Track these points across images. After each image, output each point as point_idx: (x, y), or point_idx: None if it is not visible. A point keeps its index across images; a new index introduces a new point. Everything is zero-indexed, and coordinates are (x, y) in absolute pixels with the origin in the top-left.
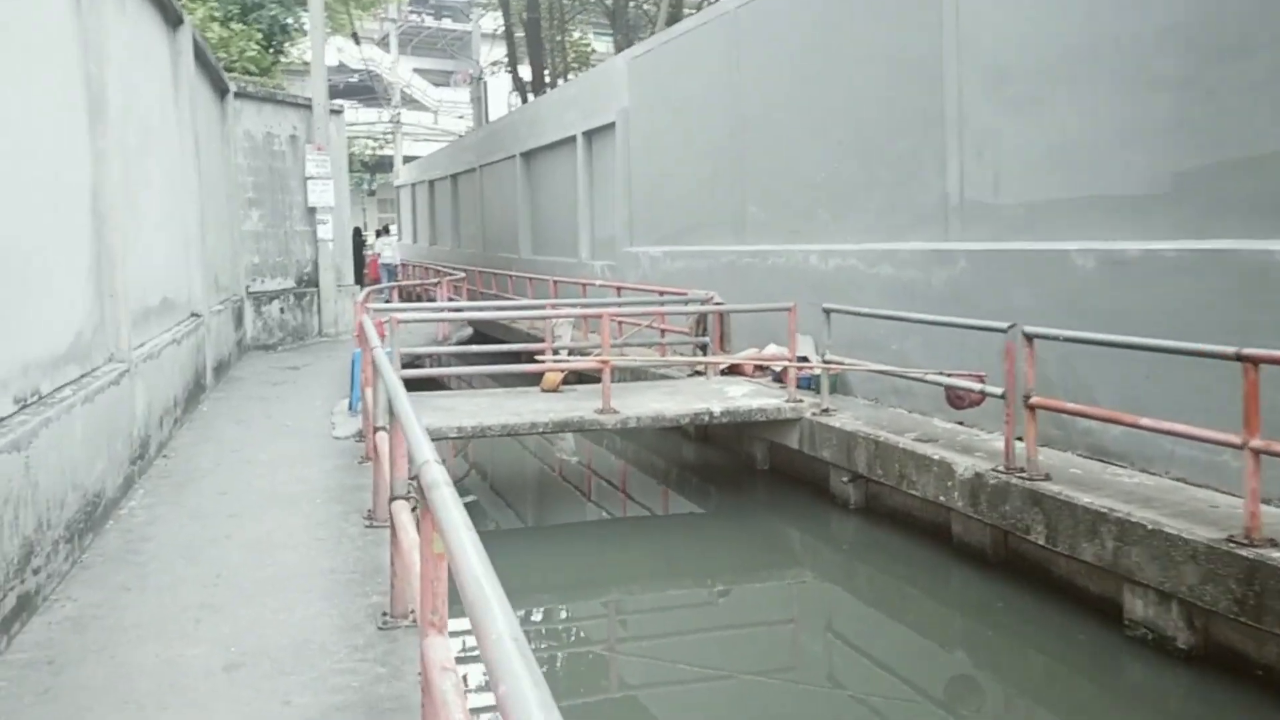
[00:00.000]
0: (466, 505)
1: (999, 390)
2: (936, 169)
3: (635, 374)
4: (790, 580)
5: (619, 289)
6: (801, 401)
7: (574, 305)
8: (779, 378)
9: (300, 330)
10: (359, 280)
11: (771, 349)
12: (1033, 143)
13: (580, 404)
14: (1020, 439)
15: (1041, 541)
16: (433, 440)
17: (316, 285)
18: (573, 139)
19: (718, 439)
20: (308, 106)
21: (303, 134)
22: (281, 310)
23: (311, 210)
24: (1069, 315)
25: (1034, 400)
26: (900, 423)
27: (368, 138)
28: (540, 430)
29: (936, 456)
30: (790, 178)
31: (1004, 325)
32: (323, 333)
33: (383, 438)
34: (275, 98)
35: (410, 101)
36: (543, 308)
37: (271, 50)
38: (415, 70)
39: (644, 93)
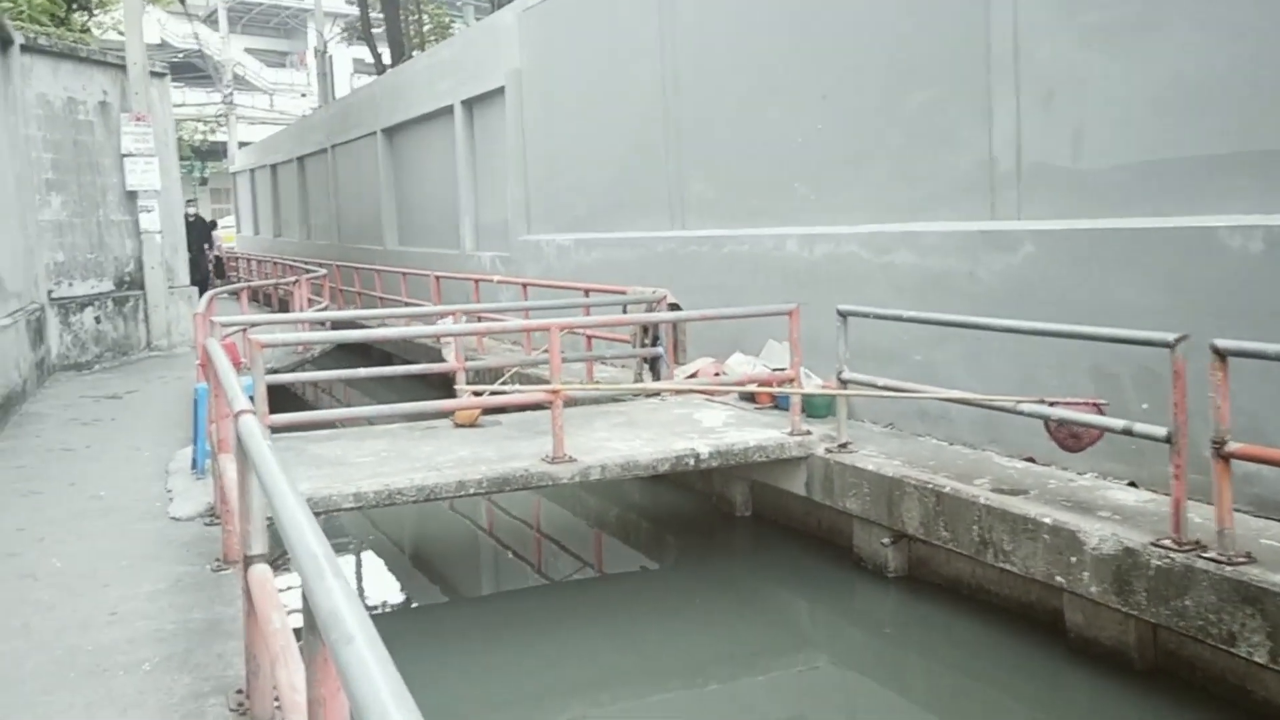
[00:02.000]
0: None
1: (1161, 431)
2: (976, 124)
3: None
4: (809, 674)
5: (524, 286)
6: (809, 434)
7: (498, 312)
8: (751, 396)
9: (123, 344)
10: (198, 281)
11: (738, 360)
12: (1137, 82)
13: (518, 446)
14: (1189, 498)
15: (1261, 657)
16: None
17: (142, 287)
18: (448, 110)
19: (676, 475)
20: (121, 66)
21: (116, 101)
22: (98, 320)
23: (132, 195)
24: (1214, 317)
25: (1233, 448)
26: (948, 460)
27: (197, 120)
28: (472, 491)
29: (1047, 520)
30: (750, 146)
31: (1169, 336)
32: (152, 345)
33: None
34: (78, 54)
35: (242, 83)
36: (452, 318)
37: (75, 6)
38: (247, 50)
39: (540, 50)
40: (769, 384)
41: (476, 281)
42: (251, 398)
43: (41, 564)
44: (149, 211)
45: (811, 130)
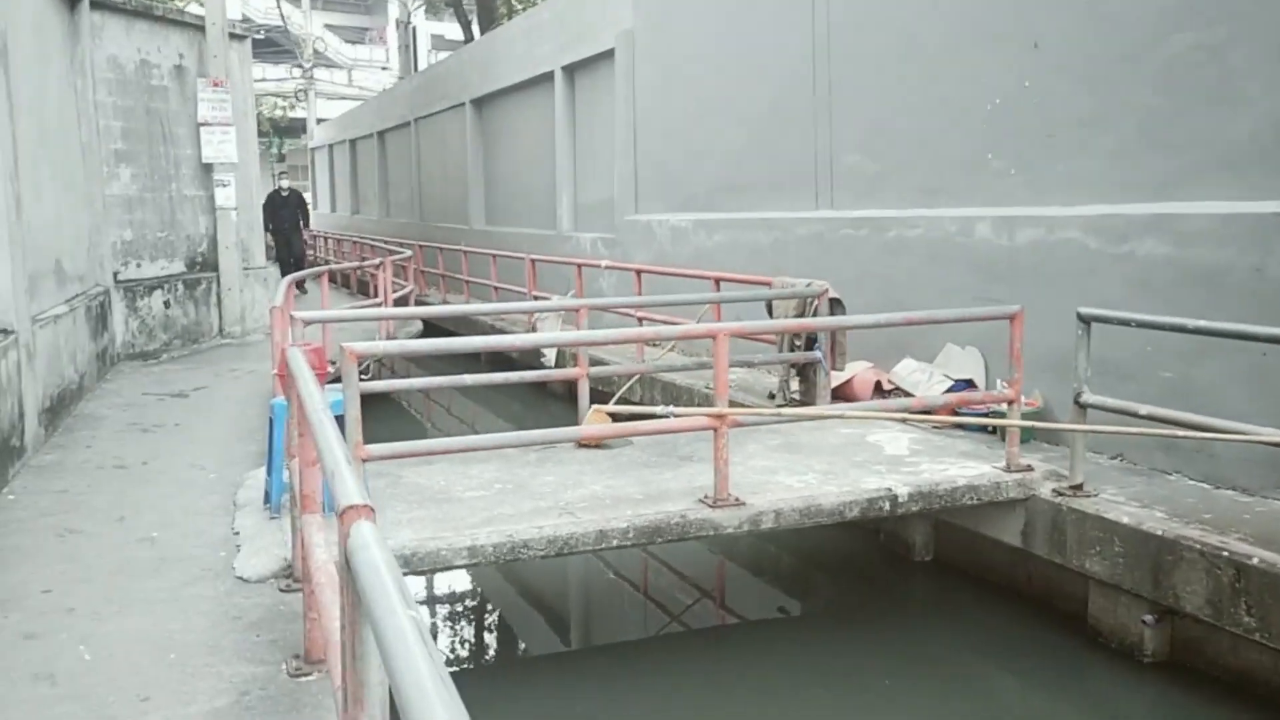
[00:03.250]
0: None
1: None
2: (1269, 73)
3: (670, 395)
4: None
5: (637, 273)
6: (1029, 469)
7: (625, 306)
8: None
9: (193, 330)
10: (292, 265)
11: (909, 368)
12: None
13: (662, 479)
14: None
15: None
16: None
17: (215, 269)
18: (547, 77)
19: None
20: (199, 28)
21: (193, 65)
22: (167, 305)
23: (207, 168)
24: None
25: None
26: (1230, 513)
27: (276, 96)
28: (615, 543)
29: None
30: (925, 110)
31: None
32: (224, 332)
33: None
34: (153, 12)
35: (322, 59)
36: (576, 313)
37: None
38: (326, 26)
39: (657, 6)
40: (958, 407)
41: (580, 266)
42: (340, 419)
43: (65, 654)
44: (225, 186)
45: (1015, 88)
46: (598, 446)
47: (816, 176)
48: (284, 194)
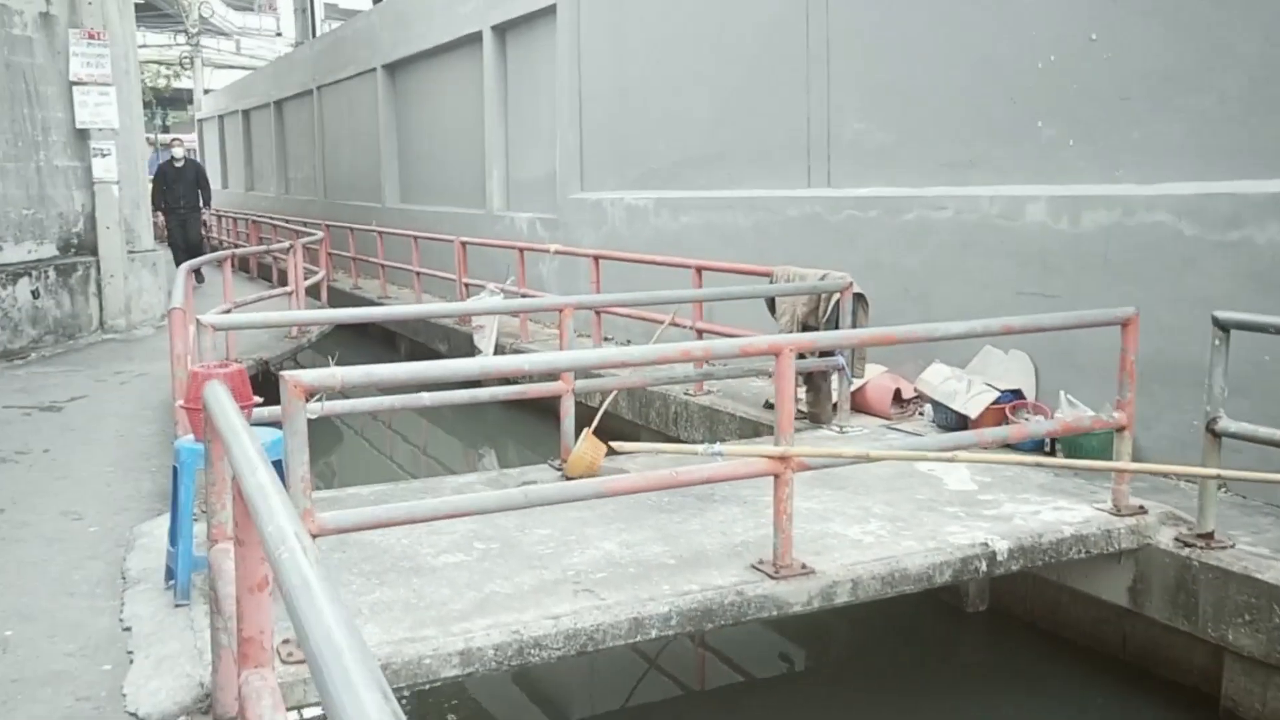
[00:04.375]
0: None
1: None
2: None
3: (659, 410)
4: None
5: (595, 260)
6: (1142, 512)
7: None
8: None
9: (68, 324)
10: (188, 251)
11: (939, 374)
12: None
13: (688, 529)
14: None
15: None
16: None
17: (94, 253)
18: (474, 38)
19: None
20: None
21: (63, 13)
22: (35, 294)
23: (82, 135)
24: None
25: None
26: None
27: (159, 64)
28: (655, 634)
29: None
30: (951, 69)
31: None
32: (106, 326)
33: None
34: None
35: (208, 26)
36: (561, 311)
37: None
38: None
39: None
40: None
41: (521, 251)
42: (278, 464)
43: None
44: (104, 155)
45: (1077, 41)
46: (588, 477)
47: (810, 148)
48: (177, 164)
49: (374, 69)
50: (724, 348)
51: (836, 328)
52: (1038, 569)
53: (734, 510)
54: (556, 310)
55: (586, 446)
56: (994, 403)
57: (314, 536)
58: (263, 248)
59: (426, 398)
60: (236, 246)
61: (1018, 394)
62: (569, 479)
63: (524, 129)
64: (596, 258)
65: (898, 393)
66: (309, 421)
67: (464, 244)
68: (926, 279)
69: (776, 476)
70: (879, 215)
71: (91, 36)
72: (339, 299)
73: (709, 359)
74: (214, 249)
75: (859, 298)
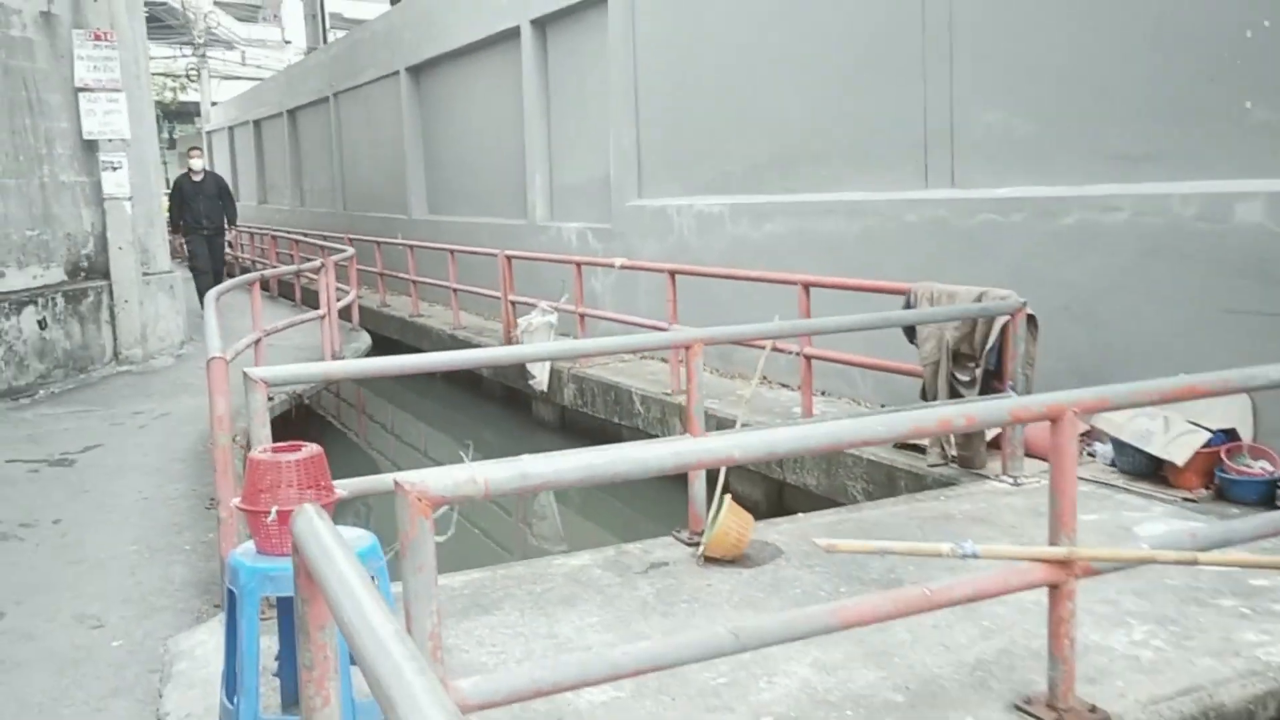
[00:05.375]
0: None
1: None
2: None
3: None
4: None
5: (671, 275)
6: None
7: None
8: (1156, 476)
9: (79, 356)
10: (212, 277)
11: (1127, 410)
12: None
13: (898, 638)
14: None
15: None
16: None
17: (106, 276)
18: (511, 34)
19: None
20: None
21: (66, 13)
22: (42, 324)
23: (90, 146)
24: None
25: None
26: None
27: (165, 76)
28: None
29: None
30: (1119, 43)
31: None
32: (121, 357)
33: None
34: None
35: (213, 38)
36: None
37: None
38: (216, 3)
39: None
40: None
41: (579, 265)
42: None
43: None
44: (115, 169)
45: None
46: (732, 561)
47: (927, 144)
48: (196, 178)
49: (396, 72)
50: (991, 414)
51: (999, 357)
52: None
53: (931, 571)
54: (681, 347)
55: (730, 519)
56: (1208, 445)
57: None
58: (293, 267)
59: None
60: (257, 265)
61: (1230, 434)
62: (707, 559)
63: (569, 131)
64: (673, 273)
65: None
66: (300, 419)
67: (509, 258)
68: (1093, 294)
69: (1054, 587)
70: (1026, 219)
71: (98, 38)
72: (367, 318)
73: (973, 426)
74: (232, 271)
75: (1030, 320)
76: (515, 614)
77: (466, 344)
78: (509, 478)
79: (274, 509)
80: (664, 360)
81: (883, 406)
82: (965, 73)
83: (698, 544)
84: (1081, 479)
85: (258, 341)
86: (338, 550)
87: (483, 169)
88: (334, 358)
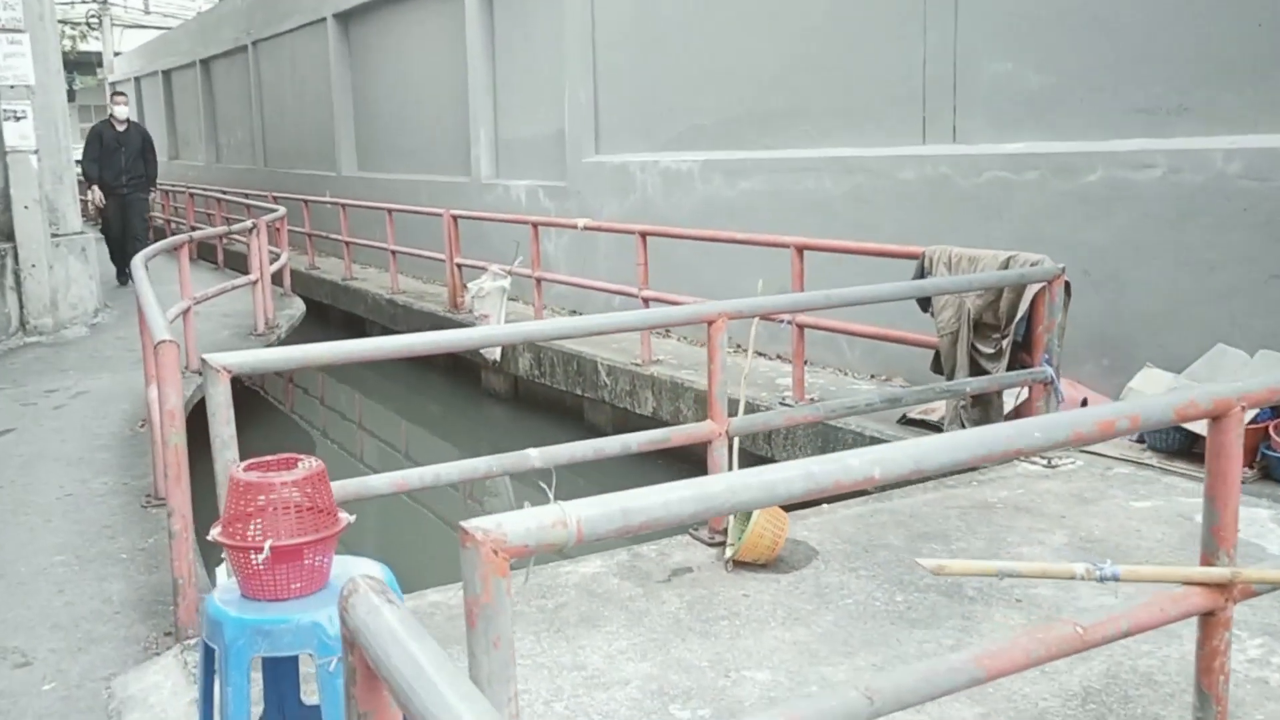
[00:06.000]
0: None
1: None
2: None
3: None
4: None
5: (642, 236)
6: None
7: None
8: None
9: None
10: (137, 242)
11: (1155, 380)
12: None
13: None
14: None
15: None
16: None
17: (11, 238)
18: None
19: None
20: None
21: None
22: None
23: None
24: None
25: None
26: None
27: (64, 23)
28: None
29: None
30: None
31: None
32: (29, 327)
33: None
34: None
35: None
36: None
37: None
38: None
39: None
40: None
41: (536, 226)
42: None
43: None
44: (19, 119)
45: None
46: (765, 564)
47: (926, 96)
48: (119, 128)
49: (323, 19)
50: (1155, 412)
51: (1029, 328)
52: None
53: (1011, 615)
54: (704, 322)
55: (764, 521)
56: (1254, 421)
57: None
58: (223, 229)
59: (535, 455)
60: (173, 226)
61: (1276, 410)
62: (736, 563)
63: (519, 83)
64: (644, 234)
65: (1084, 404)
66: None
67: (455, 218)
68: (1118, 257)
69: (1209, 615)
70: (1041, 177)
71: None
72: (295, 282)
73: (1137, 429)
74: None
75: (1065, 287)
76: (530, 639)
77: (406, 309)
78: (607, 516)
79: (268, 544)
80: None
81: (872, 377)
82: (971, 18)
83: (720, 543)
84: (1108, 457)
85: (187, 311)
86: (426, 659)
87: (421, 123)
88: (268, 327)
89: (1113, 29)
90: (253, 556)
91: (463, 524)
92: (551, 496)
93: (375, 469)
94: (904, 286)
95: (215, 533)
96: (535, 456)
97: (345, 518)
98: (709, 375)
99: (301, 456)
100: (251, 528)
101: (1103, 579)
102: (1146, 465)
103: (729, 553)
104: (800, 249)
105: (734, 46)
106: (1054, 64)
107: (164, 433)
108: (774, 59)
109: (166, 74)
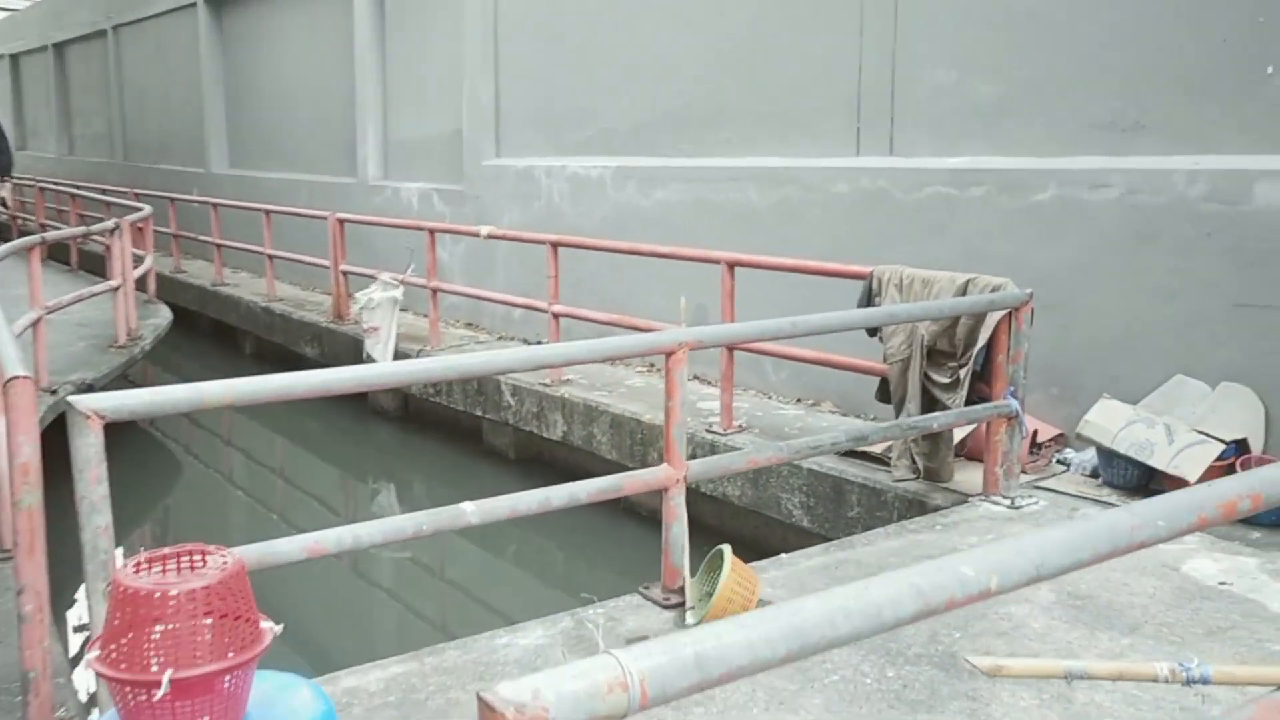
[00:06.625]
0: None
1: None
2: None
3: (577, 419)
4: None
5: (553, 246)
6: None
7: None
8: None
9: None
10: None
11: (1119, 416)
12: None
13: None
14: None
15: None
16: None
17: None
18: None
19: None
20: None
21: None
22: None
23: None
24: None
25: None
26: None
27: None
28: None
29: None
30: None
31: None
32: None
33: None
34: None
35: None
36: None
37: None
38: None
39: None
40: None
41: (433, 232)
42: None
43: None
44: None
45: None
46: (684, 605)
47: (861, 105)
48: None
49: (194, 3)
50: (1275, 485)
51: (989, 357)
52: None
53: (1020, 694)
54: (662, 354)
55: (735, 581)
56: (1222, 458)
57: None
58: (82, 229)
59: (470, 511)
60: (19, 223)
61: (1241, 445)
62: (664, 605)
63: (411, 79)
64: (555, 244)
65: (1034, 436)
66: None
67: (341, 221)
68: (1069, 281)
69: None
70: (988, 194)
71: None
72: (159, 287)
73: (1259, 508)
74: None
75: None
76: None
77: (285, 318)
78: (679, 669)
79: (167, 675)
80: (538, 340)
81: (798, 401)
82: (913, 21)
83: (677, 605)
84: (1064, 494)
85: (38, 322)
86: None
87: (301, 118)
88: (130, 338)
89: (1068, 38)
90: (151, 694)
91: (483, 695)
92: (599, 639)
93: (249, 495)
94: (875, 313)
95: (91, 658)
96: (471, 512)
97: (270, 628)
98: (666, 413)
99: (210, 549)
100: (147, 652)
101: (1190, 682)
102: (1107, 503)
103: (690, 618)
104: (732, 265)
105: (652, 44)
106: (1003, 74)
107: (15, 491)
108: (695, 59)
109: (15, 58)
